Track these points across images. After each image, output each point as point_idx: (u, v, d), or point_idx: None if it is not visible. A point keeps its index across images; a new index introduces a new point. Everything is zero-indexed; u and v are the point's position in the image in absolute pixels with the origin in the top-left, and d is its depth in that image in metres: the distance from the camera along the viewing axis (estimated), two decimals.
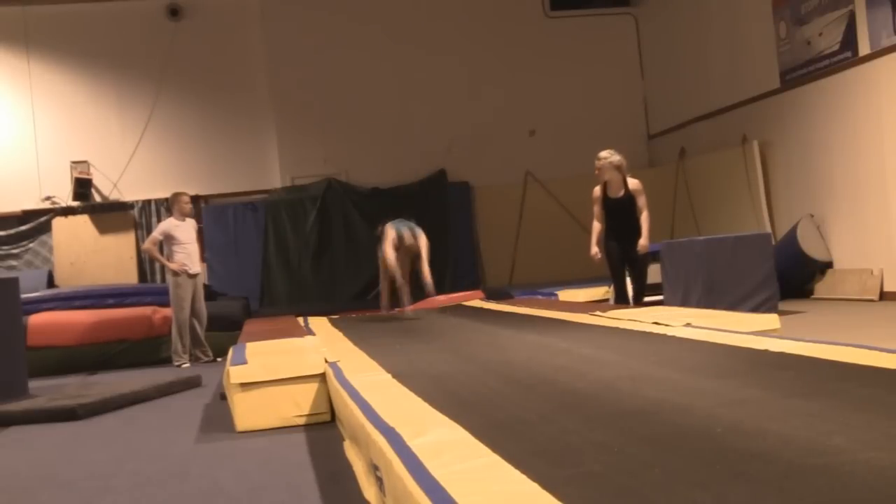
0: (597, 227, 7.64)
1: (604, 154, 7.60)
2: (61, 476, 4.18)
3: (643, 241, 7.32)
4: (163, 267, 12.85)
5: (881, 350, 3.67)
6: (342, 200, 13.34)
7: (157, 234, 8.93)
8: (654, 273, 8.62)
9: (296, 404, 4.82)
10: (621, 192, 7.42)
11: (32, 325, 9.05)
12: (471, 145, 13.83)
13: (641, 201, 7.39)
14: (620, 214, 7.42)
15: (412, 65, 13.81)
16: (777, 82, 10.70)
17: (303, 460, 3.98)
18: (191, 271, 8.83)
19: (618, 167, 7.47)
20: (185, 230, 8.96)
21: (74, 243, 12.87)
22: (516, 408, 3.26)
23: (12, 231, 12.88)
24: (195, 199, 11.38)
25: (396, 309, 8.98)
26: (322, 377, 4.83)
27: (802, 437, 2.44)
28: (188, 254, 8.86)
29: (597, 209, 7.59)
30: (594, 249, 7.63)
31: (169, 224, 8.93)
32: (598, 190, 7.60)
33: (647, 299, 7.86)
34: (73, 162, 12.87)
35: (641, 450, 2.46)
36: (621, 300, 7.74)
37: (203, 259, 10.28)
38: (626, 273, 7.74)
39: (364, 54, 13.68)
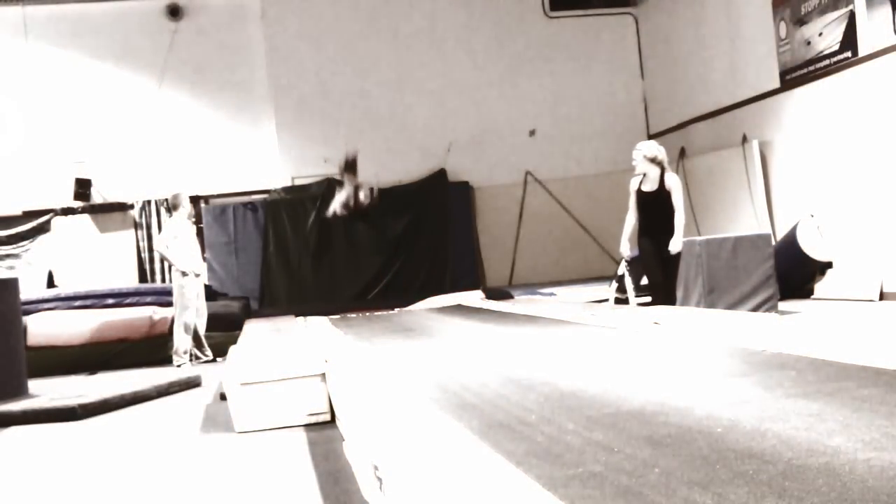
0: (629, 221, 7.26)
1: (640, 145, 7.24)
2: (61, 476, 4.18)
3: (673, 241, 6.92)
4: (163, 267, 12.96)
5: (881, 350, 3.67)
6: None
7: (169, 234, 8.88)
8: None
9: (296, 404, 4.82)
10: (655, 187, 7.04)
11: (32, 325, 9.05)
12: (471, 145, 13.84)
13: (675, 199, 6.98)
14: (652, 209, 7.04)
15: (412, 65, 13.82)
16: (777, 82, 10.70)
17: (303, 460, 3.98)
18: (198, 272, 8.86)
19: (652, 160, 7.03)
20: (190, 230, 9.00)
21: (74, 243, 12.87)
22: (516, 408, 3.26)
23: (12, 231, 12.88)
24: (195, 199, 11.38)
25: (396, 309, 8.99)
26: (322, 377, 4.83)
27: (802, 437, 2.44)
28: (194, 254, 8.88)
29: (630, 202, 7.22)
30: (623, 246, 7.28)
31: (180, 224, 8.93)
32: (634, 182, 7.22)
33: (644, 300, 7.81)
34: (74, 162, 12.87)
35: (641, 450, 2.46)
36: (659, 299, 7.27)
37: (202, 258, 10.30)
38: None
39: (364, 54, 13.69)
